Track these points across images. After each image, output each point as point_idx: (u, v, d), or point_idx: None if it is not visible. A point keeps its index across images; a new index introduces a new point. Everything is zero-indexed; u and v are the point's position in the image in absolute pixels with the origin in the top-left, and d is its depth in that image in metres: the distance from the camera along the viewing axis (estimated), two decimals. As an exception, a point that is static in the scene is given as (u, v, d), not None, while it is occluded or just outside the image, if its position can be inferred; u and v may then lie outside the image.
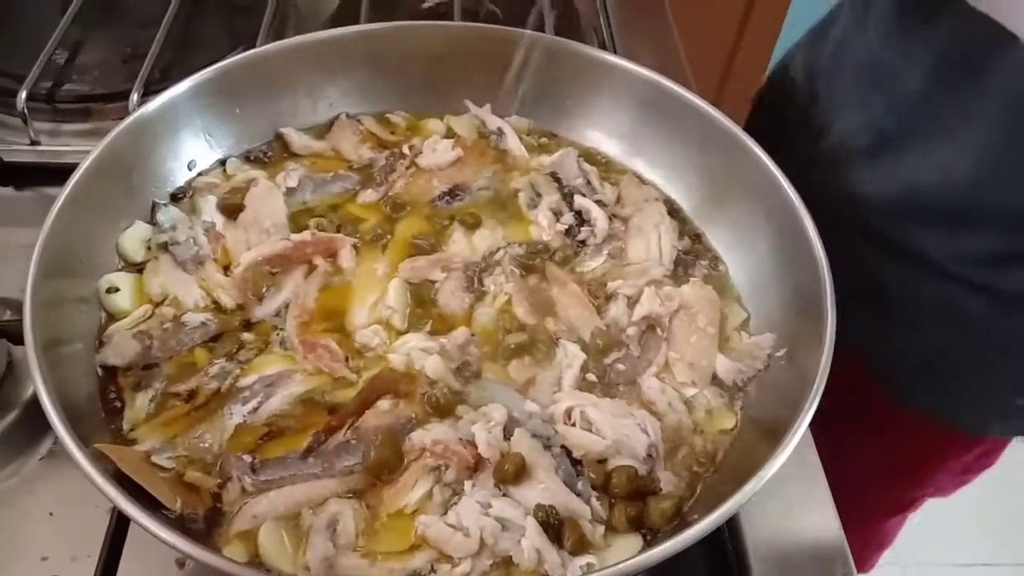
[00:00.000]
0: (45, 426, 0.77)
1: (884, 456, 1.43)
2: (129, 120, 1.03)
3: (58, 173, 0.97)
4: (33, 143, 1.29)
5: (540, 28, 1.29)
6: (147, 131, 1.05)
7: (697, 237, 1.12)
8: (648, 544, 0.83)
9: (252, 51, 1.16)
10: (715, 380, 0.97)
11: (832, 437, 1.02)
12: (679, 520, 0.85)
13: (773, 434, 0.83)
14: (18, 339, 0.85)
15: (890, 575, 2.49)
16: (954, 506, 2.56)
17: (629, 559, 0.74)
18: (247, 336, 0.97)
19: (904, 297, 1.24)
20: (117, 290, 0.98)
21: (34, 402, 0.86)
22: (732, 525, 0.95)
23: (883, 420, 1.35)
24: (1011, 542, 2.59)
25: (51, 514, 0.94)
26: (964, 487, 1.52)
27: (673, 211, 1.14)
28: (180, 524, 0.81)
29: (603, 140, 1.21)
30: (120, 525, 0.90)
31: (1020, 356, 1.24)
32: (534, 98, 1.23)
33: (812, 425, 0.81)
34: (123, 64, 1.41)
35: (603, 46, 1.51)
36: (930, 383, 1.28)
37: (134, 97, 1.27)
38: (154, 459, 0.85)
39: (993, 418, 1.33)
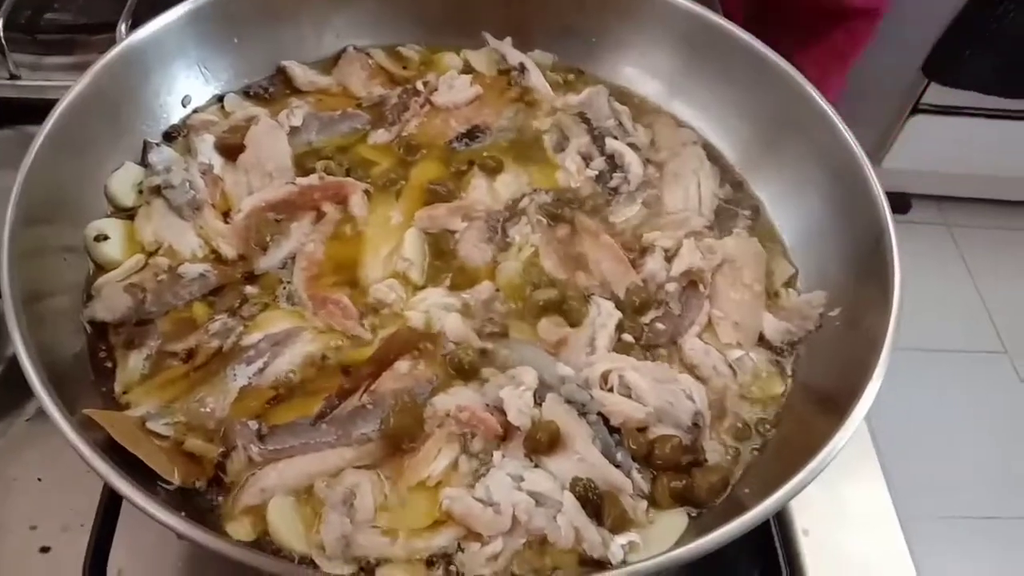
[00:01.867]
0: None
1: None
2: (116, 50, 0.93)
3: (41, 110, 0.88)
4: (12, 77, 1.19)
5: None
6: (136, 63, 0.96)
7: (739, 185, 1.03)
8: (695, 520, 0.76)
9: (250, -24, 1.05)
10: (762, 341, 0.90)
11: None
12: (727, 494, 0.78)
13: (829, 403, 0.76)
14: (-2, 292, 0.77)
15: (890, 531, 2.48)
16: (955, 459, 2.57)
17: (683, 547, 0.66)
18: (250, 290, 0.89)
19: None
20: (106, 238, 0.90)
21: (17, 360, 0.78)
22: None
23: None
24: (1015, 493, 2.59)
25: (40, 479, 0.88)
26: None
27: (713, 156, 1.04)
28: (179, 497, 0.74)
29: (637, 78, 1.11)
30: (114, 496, 0.83)
31: None
32: (559, 32, 1.13)
33: None
34: (111, -9, 1.30)
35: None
36: None
37: (122, 27, 1.16)
38: (149, 425, 0.78)
39: None
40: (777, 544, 0.85)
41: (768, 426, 0.84)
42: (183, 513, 0.70)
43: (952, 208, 3.36)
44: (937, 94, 2.88)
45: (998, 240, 3.29)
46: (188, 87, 1.03)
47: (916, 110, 2.96)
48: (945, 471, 2.61)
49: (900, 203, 3.38)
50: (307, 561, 0.72)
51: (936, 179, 3.27)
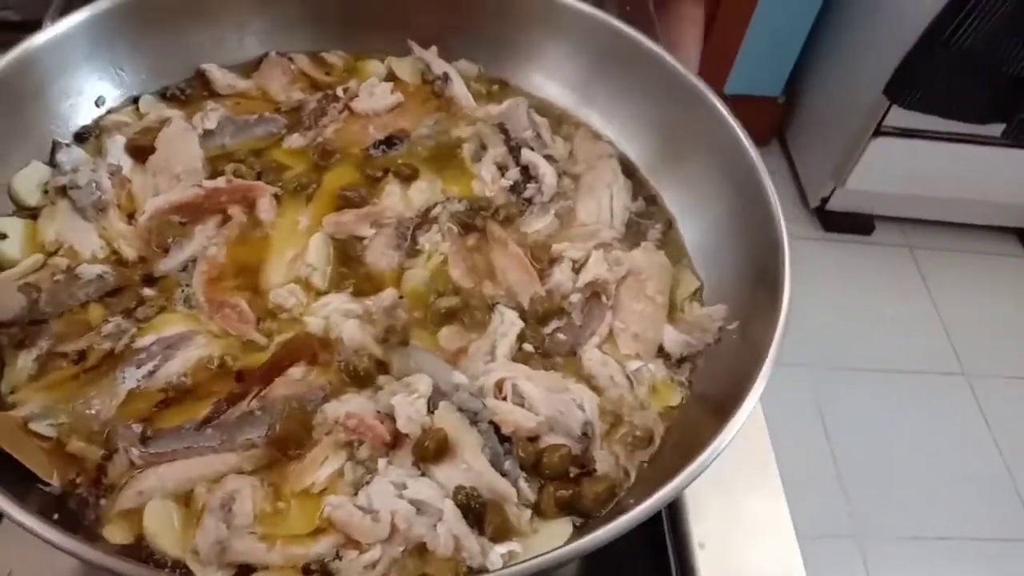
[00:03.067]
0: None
1: None
2: (13, 53, 0.92)
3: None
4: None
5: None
6: (38, 63, 0.94)
7: (652, 199, 1.04)
8: (580, 530, 0.76)
9: (170, -25, 1.05)
10: (661, 352, 0.90)
11: None
12: (614, 505, 0.77)
13: (719, 411, 0.76)
14: None
15: (851, 553, 2.48)
16: (912, 480, 2.58)
17: (554, 550, 0.66)
18: (148, 292, 0.88)
19: None
20: (4, 237, 0.89)
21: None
22: (673, 507, 0.88)
23: None
24: (970, 514, 2.60)
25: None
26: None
27: (628, 170, 1.05)
28: (58, 501, 0.73)
29: (556, 89, 1.12)
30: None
31: None
32: (485, 42, 1.13)
33: None
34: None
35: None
36: None
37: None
38: (32, 426, 0.76)
39: None
40: (671, 556, 0.86)
41: (661, 436, 0.84)
42: (57, 516, 0.69)
43: (914, 230, 3.39)
44: (899, 117, 2.92)
45: (959, 262, 3.33)
46: (101, 88, 1.01)
47: (878, 132, 2.99)
48: (903, 491, 2.62)
49: (863, 224, 3.41)
50: (181, 566, 0.71)
51: (899, 201, 3.31)
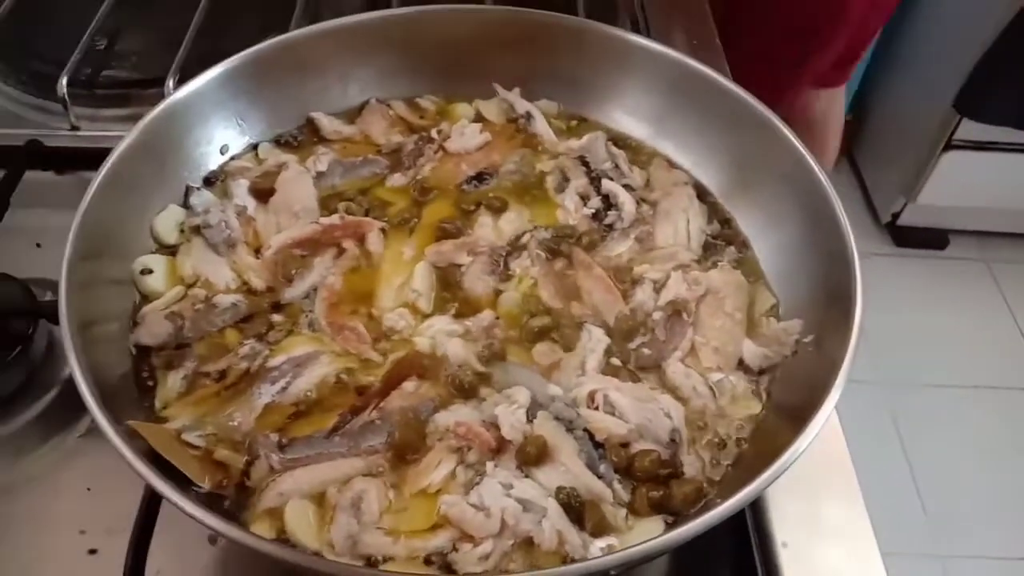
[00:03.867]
0: (83, 404, 0.79)
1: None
2: (161, 106, 1.05)
3: (97, 158, 0.99)
4: (73, 128, 1.33)
5: (572, 10, 1.29)
6: (180, 116, 1.07)
7: (727, 222, 1.11)
8: (670, 527, 0.83)
9: (282, 36, 1.17)
10: (741, 365, 0.97)
11: None
12: (701, 505, 0.84)
13: (798, 419, 0.82)
14: (57, 319, 0.88)
15: (932, 570, 2.46)
16: (993, 497, 2.53)
17: (648, 540, 0.73)
18: (276, 317, 0.99)
19: None
20: (151, 271, 1.01)
21: (72, 380, 0.88)
22: (756, 509, 0.94)
23: None
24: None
25: (89, 489, 0.97)
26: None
27: (702, 195, 1.13)
28: (210, 501, 0.83)
29: (632, 123, 1.20)
30: (153, 500, 0.92)
31: None
32: (563, 82, 1.22)
33: None
34: (160, 50, 1.42)
35: (635, 28, 1.50)
36: None
37: (170, 83, 1.29)
38: (184, 437, 0.87)
39: None
40: (756, 555, 0.92)
41: (743, 442, 0.91)
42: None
43: (991, 243, 3.34)
44: (970, 130, 2.89)
45: (1039, 275, 3.27)
46: (226, 137, 1.14)
47: (949, 146, 2.97)
48: (983, 509, 2.59)
49: (937, 239, 3.36)
50: (318, 556, 0.81)
51: (973, 214, 3.26)
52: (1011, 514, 2.57)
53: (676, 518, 0.84)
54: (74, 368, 0.81)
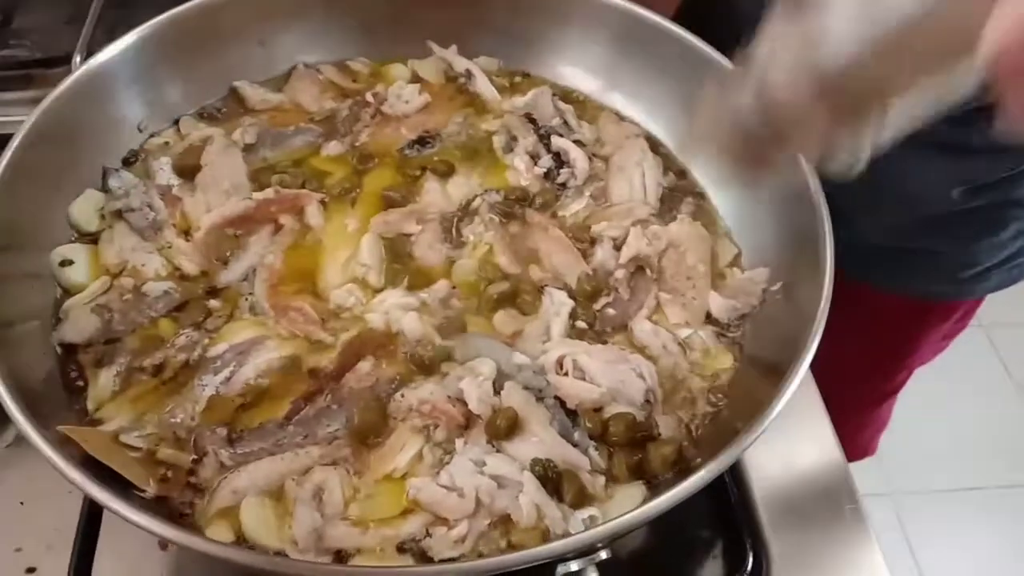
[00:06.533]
0: (5, 412, 0.72)
1: (866, 340, 1.41)
2: (66, 83, 0.96)
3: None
4: (-29, 114, 1.21)
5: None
6: (87, 94, 0.98)
7: (682, 173, 1.07)
8: (652, 491, 0.80)
9: (197, 1, 1.08)
10: (710, 319, 0.94)
11: None
12: (681, 465, 0.81)
13: (773, 372, 0.80)
14: (-33, 323, 0.80)
15: (882, 505, 2.51)
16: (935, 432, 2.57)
17: (632, 511, 0.70)
18: (214, 303, 0.91)
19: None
20: (71, 263, 0.93)
21: (-8, 387, 0.80)
22: (734, 467, 0.92)
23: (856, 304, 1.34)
24: (992, 464, 2.60)
25: (22, 503, 0.90)
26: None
27: (655, 147, 1.08)
28: (157, 506, 0.76)
29: (578, 76, 1.15)
30: (94, 509, 0.86)
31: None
32: (501, 36, 1.17)
33: None
34: (65, 26, 1.31)
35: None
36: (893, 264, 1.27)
37: (76, 60, 1.18)
38: (123, 438, 0.80)
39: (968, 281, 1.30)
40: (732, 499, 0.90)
41: (719, 397, 0.88)
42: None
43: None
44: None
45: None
46: (143, 113, 1.05)
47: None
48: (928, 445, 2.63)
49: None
50: (281, 556, 0.75)
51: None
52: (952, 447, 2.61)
53: (656, 481, 0.81)
54: (-9, 373, 0.73)
